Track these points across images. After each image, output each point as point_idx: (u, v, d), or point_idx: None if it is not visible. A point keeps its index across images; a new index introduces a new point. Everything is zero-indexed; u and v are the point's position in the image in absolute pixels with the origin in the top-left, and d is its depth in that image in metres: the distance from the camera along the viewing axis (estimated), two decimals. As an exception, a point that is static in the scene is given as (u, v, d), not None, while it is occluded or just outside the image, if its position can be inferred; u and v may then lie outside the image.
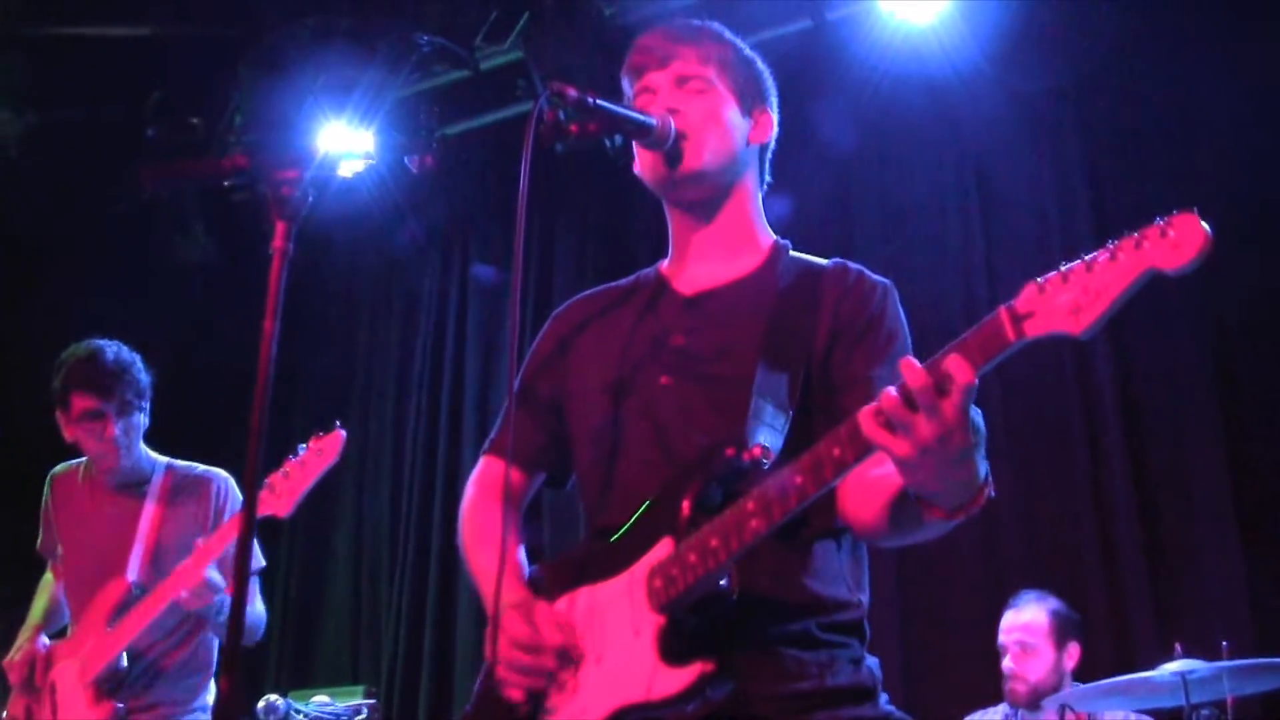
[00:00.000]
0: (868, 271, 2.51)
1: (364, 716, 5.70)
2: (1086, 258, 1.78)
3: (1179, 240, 1.70)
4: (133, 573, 4.15)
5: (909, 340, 2.44)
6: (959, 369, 1.85)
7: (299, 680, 7.47)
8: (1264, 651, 4.73)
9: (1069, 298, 1.78)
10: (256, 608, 4.28)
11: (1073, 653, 5.19)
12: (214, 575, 3.86)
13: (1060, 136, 6.37)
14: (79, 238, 7.67)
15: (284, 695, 5.81)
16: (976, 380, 1.86)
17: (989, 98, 6.34)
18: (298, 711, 5.75)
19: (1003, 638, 5.22)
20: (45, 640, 4.33)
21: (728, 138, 2.50)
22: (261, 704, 5.70)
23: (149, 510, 4.26)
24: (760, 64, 2.64)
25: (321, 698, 5.93)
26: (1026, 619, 5.19)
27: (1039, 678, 5.10)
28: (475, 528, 2.60)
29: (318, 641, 7.96)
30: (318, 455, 3.74)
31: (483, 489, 2.65)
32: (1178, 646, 4.56)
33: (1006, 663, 5.15)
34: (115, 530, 4.27)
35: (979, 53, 6.27)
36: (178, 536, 4.22)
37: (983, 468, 2.02)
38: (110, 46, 7.02)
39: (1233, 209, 5.54)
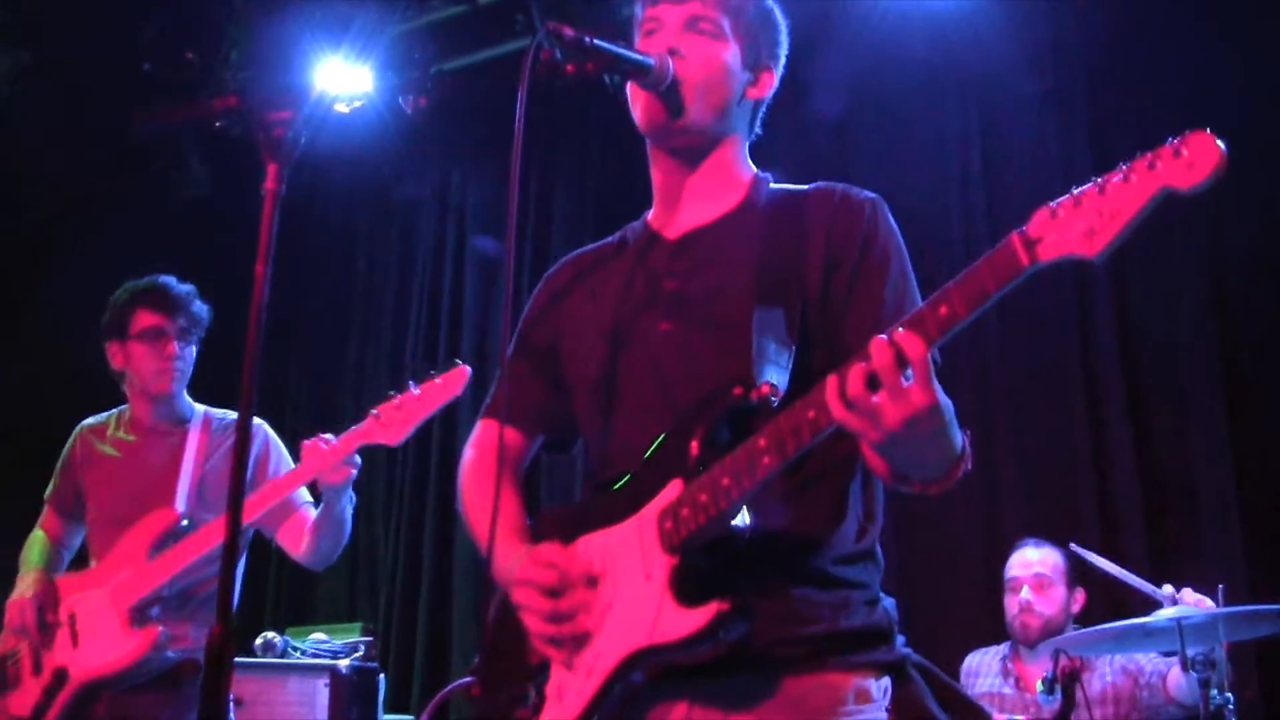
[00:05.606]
0: (853, 189, 2.44)
1: (361, 654, 5.70)
2: (1098, 180, 1.76)
3: (1193, 159, 1.68)
4: (181, 503, 4.11)
5: (905, 253, 2.38)
6: (910, 344, 1.85)
7: (296, 618, 7.49)
8: (1259, 598, 4.75)
9: (1082, 220, 1.76)
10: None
11: (1079, 598, 5.28)
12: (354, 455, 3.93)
13: (1066, 87, 6.31)
14: (73, 174, 7.60)
15: (281, 633, 5.84)
16: (931, 354, 1.86)
17: (993, 38, 6.26)
18: (295, 649, 5.77)
19: (1017, 571, 5.27)
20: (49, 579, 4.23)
21: (723, 89, 2.43)
22: (259, 641, 5.73)
23: (193, 444, 4.25)
24: (777, 17, 2.56)
25: (319, 635, 5.94)
26: (1043, 555, 5.27)
27: (1053, 613, 5.19)
28: (473, 491, 2.57)
29: (315, 579, 7.96)
30: (439, 388, 3.79)
31: (481, 451, 2.62)
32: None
33: (1024, 595, 5.20)
34: (156, 467, 4.23)
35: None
36: (220, 474, 4.20)
37: (958, 441, 2.03)
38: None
39: (1235, 145, 5.49)
